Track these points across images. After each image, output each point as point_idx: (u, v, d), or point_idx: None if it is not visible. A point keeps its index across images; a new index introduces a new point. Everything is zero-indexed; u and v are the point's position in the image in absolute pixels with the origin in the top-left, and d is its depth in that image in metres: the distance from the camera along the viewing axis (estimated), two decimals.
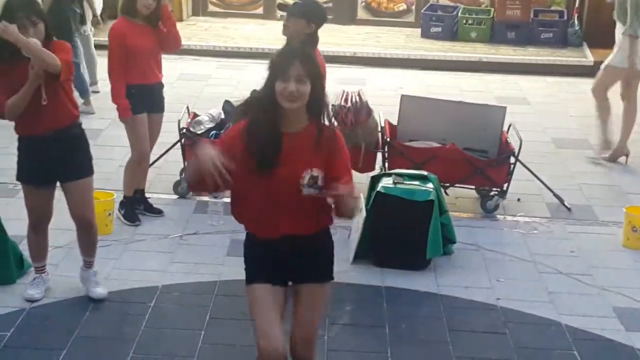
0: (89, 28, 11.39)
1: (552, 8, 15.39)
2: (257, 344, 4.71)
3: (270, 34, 14.29)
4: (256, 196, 4.64)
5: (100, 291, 6.57)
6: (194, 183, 4.61)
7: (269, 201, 4.62)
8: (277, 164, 4.55)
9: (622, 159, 9.85)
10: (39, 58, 5.87)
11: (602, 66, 10.03)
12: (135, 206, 7.93)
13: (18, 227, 7.28)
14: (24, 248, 6.97)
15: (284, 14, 7.31)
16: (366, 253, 7.22)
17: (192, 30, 14.91)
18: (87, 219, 6.45)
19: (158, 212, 8.04)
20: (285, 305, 4.83)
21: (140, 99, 7.58)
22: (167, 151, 8.79)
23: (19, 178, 6.38)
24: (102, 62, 9.77)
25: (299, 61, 4.51)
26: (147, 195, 8.11)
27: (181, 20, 15.56)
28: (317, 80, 4.58)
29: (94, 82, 11.37)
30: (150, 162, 8.63)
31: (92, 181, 6.43)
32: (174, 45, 7.78)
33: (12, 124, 6.26)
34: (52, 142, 6.16)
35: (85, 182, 6.37)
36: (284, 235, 4.68)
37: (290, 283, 4.86)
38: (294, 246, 4.72)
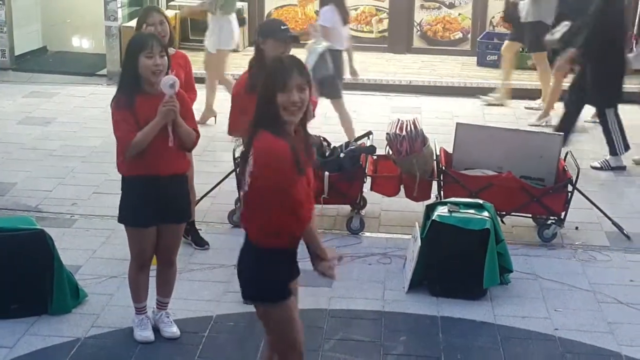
0: None
1: None
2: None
3: None
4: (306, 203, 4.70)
5: (174, 330, 6.44)
6: None
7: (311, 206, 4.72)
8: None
9: None
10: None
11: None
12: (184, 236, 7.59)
13: (73, 257, 7.34)
14: (79, 278, 7.01)
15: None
16: (422, 282, 7.13)
17: (247, 61, 14.90)
18: (172, 260, 6.41)
19: (203, 245, 7.96)
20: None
21: None
22: (222, 180, 8.81)
23: (123, 221, 6.23)
24: None
25: (297, 70, 4.51)
26: (200, 225, 8.11)
27: (237, 50, 15.61)
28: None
29: None
30: (206, 191, 8.67)
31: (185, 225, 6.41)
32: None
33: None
34: (166, 185, 6.07)
35: (181, 227, 6.35)
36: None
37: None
38: None
